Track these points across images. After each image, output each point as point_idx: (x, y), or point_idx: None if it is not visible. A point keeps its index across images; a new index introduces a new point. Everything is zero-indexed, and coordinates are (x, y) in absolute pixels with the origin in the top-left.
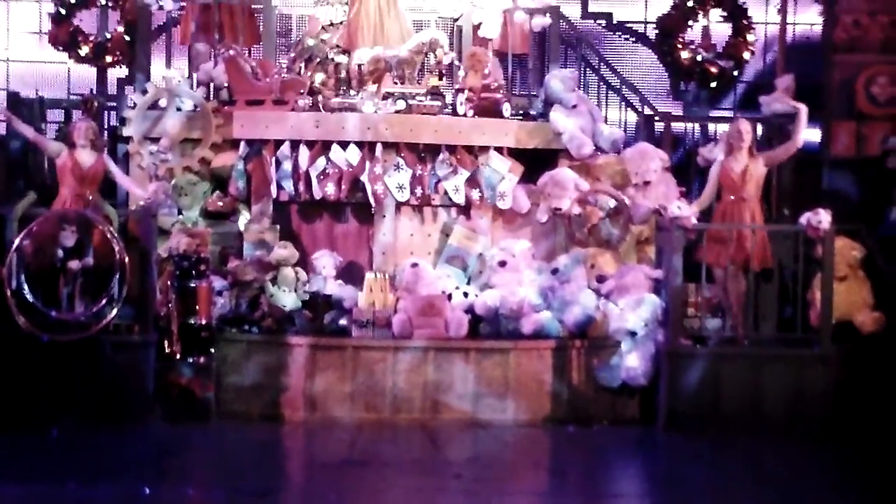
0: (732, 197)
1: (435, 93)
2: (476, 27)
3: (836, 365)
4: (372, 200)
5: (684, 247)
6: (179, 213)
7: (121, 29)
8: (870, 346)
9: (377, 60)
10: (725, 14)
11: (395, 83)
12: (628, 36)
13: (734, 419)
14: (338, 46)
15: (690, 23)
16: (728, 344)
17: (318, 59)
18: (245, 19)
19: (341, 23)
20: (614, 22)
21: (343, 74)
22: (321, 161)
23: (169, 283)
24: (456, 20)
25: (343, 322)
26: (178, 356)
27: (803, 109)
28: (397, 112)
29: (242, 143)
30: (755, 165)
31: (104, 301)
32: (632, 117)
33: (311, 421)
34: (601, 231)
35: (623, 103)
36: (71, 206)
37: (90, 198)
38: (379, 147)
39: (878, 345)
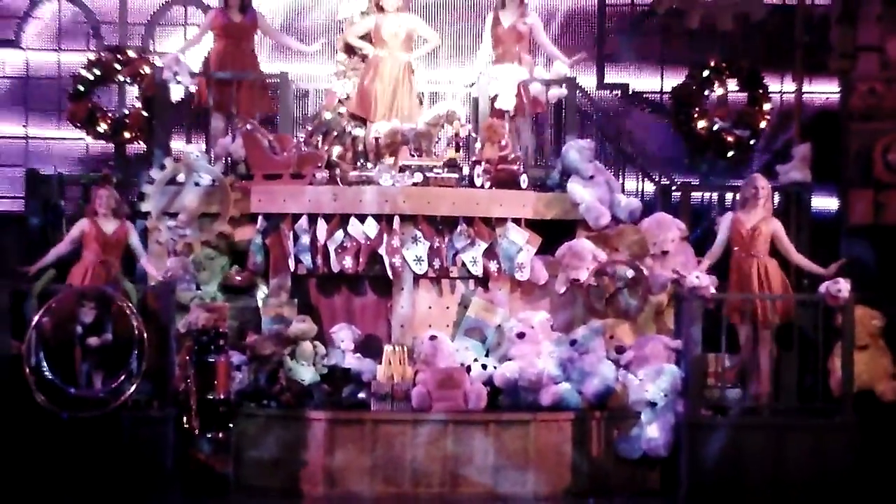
0: (741, 251)
1: (452, 165)
2: (492, 99)
3: (857, 434)
4: (390, 273)
5: (705, 312)
6: (198, 287)
7: (139, 105)
8: (891, 416)
9: (394, 133)
10: (741, 83)
11: (412, 156)
12: (644, 106)
13: (756, 489)
14: (353, 116)
15: (707, 93)
16: (749, 414)
17: (336, 133)
18: (258, 92)
19: None
20: (630, 92)
21: (360, 147)
22: (339, 234)
23: (188, 358)
24: (471, 87)
25: (362, 395)
26: (196, 431)
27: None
28: (414, 185)
29: (260, 218)
30: (766, 224)
31: (123, 377)
32: (649, 187)
33: (330, 496)
34: (620, 302)
35: (640, 173)
36: (93, 273)
37: (114, 264)
38: (396, 220)
39: None
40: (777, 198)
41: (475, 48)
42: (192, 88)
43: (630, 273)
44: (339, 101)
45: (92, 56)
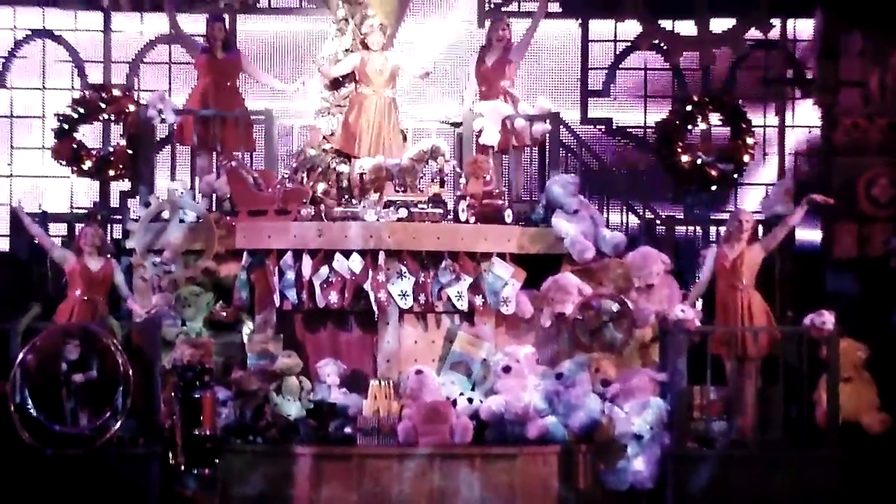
0: (726, 284)
1: (436, 200)
2: (477, 134)
3: (843, 466)
4: (375, 308)
5: (690, 345)
6: (183, 324)
7: (123, 142)
8: (877, 448)
9: (379, 169)
10: (724, 118)
11: (397, 191)
12: (628, 140)
13: None
14: (337, 152)
15: (690, 127)
16: (735, 446)
17: (320, 169)
18: (242, 129)
19: None
20: (614, 127)
21: (345, 183)
22: (324, 270)
23: (173, 394)
24: (457, 125)
25: (348, 430)
26: (182, 468)
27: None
28: (399, 220)
29: (245, 254)
30: (750, 254)
31: (108, 414)
32: (633, 221)
33: None
34: (605, 335)
35: (624, 207)
36: (79, 311)
37: (99, 301)
38: (381, 255)
39: (885, 446)
40: (761, 230)
41: (460, 85)
42: (171, 118)
43: (615, 307)
44: (324, 137)
45: (76, 94)
